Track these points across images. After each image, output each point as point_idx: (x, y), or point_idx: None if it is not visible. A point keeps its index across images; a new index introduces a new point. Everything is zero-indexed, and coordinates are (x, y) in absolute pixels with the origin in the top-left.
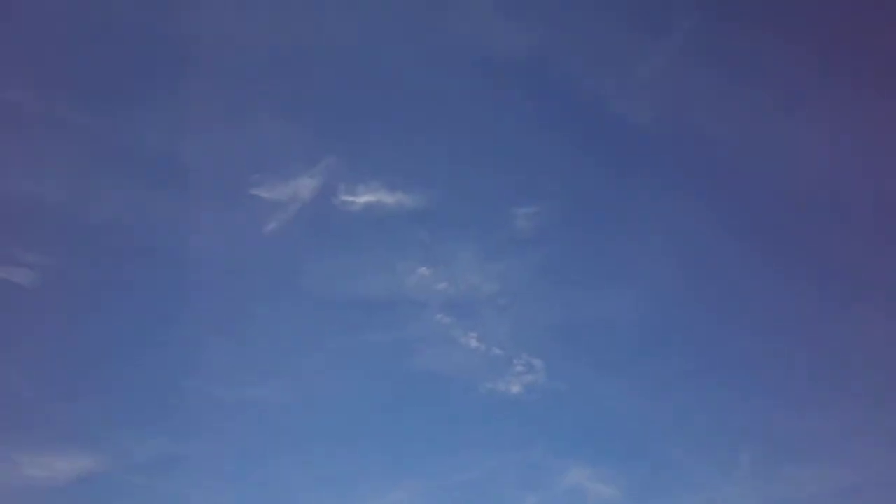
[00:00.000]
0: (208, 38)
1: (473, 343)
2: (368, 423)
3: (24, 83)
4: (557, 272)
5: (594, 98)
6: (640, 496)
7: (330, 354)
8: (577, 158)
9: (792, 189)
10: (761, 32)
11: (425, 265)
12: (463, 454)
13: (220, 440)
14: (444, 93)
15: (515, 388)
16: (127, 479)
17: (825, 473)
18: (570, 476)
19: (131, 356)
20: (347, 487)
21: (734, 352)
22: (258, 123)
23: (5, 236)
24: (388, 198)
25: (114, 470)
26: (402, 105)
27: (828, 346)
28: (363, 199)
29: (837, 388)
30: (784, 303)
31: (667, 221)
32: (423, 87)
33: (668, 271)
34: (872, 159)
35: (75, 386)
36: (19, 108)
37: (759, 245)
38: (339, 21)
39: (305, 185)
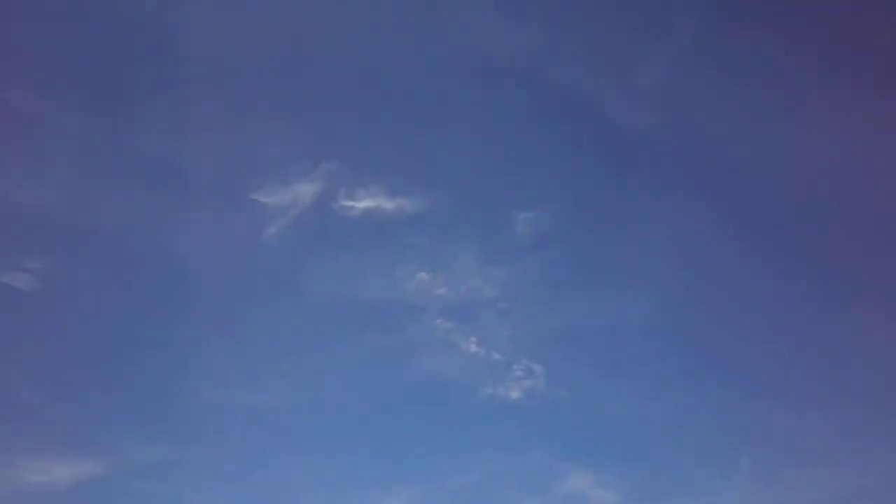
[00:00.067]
0: (209, 44)
1: (473, 348)
2: (369, 427)
3: (25, 87)
4: (558, 277)
5: (595, 101)
6: (641, 500)
7: (330, 359)
8: (577, 162)
9: (792, 190)
10: (762, 34)
11: (425, 270)
12: (463, 458)
13: (221, 444)
14: (445, 97)
15: (515, 393)
16: (127, 483)
17: (826, 476)
18: (571, 480)
19: (132, 361)
20: (347, 491)
21: (734, 354)
22: (258, 128)
23: (6, 241)
24: (387, 202)
25: (114, 474)
26: (402, 110)
27: (828, 346)
28: (363, 203)
29: (838, 390)
30: (784, 304)
31: (667, 225)
32: (423, 92)
33: (668, 275)
34: (872, 160)
35: (75, 390)
36: (20, 112)
37: (760, 248)
38: (340, 26)
39: (305, 190)
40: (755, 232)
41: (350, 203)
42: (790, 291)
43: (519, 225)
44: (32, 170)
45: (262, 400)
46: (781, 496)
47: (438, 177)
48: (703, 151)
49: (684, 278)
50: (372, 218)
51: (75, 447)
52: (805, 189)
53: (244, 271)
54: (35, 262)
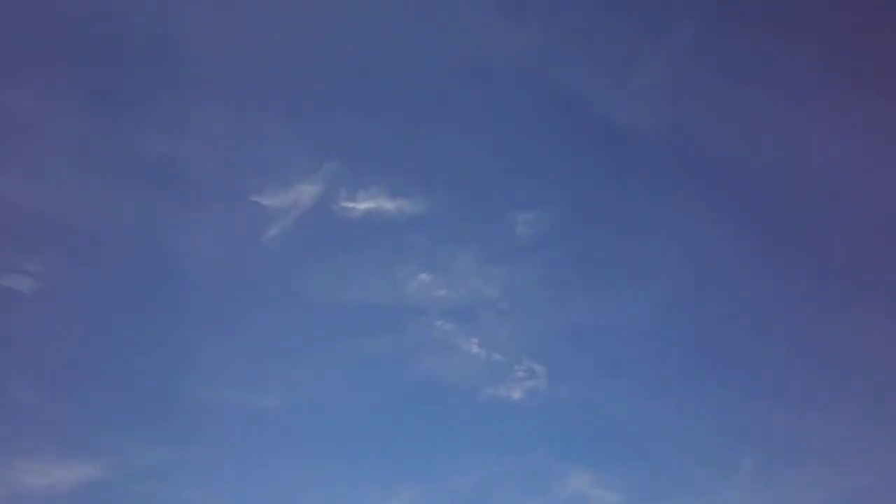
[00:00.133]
0: (210, 45)
1: (474, 349)
2: (370, 428)
3: (25, 87)
4: (558, 277)
5: (595, 101)
6: (642, 500)
7: (330, 360)
8: (577, 163)
9: (793, 190)
10: (762, 34)
11: (426, 271)
12: (464, 459)
13: (221, 445)
14: (445, 98)
15: (517, 394)
16: (127, 486)
17: (826, 476)
18: (572, 481)
19: (132, 362)
20: (348, 492)
21: (735, 354)
22: (259, 129)
23: (5, 243)
24: (388, 204)
25: (114, 477)
26: (402, 110)
27: (829, 346)
28: (363, 205)
29: (839, 390)
30: (784, 304)
31: (667, 225)
32: (423, 93)
33: (668, 275)
34: (873, 159)
35: (75, 392)
36: (20, 112)
37: (760, 248)
38: (340, 27)
39: (306, 192)
40: (755, 232)
41: (350, 204)
42: (790, 291)
43: (519, 225)
44: (32, 170)
45: (263, 401)
46: (782, 496)
47: (439, 177)
48: (703, 151)
49: (684, 278)
50: (372, 219)
51: (75, 449)
52: (805, 189)
53: (245, 272)
54: (35, 263)
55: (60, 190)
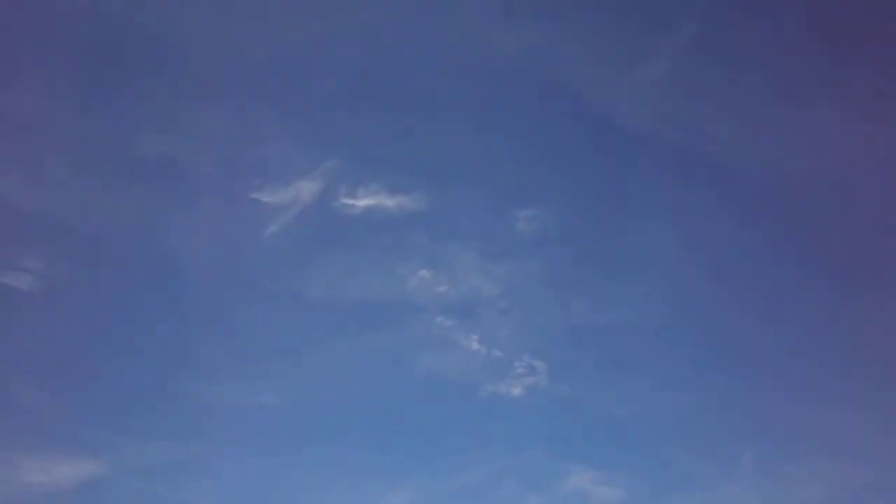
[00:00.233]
0: (208, 43)
1: (474, 345)
2: (370, 425)
3: (25, 87)
4: (559, 274)
5: (596, 99)
6: (644, 497)
7: (331, 357)
8: (578, 161)
9: (797, 186)
10: (764, 33)
11: (426, 268)
12: (464, 457)
13: (222, 443)
14: (445, 95)
15: (517, 391)
16: (128, 483)
17: (829, 471)
18: (573, 478)
19: (132, 360)
20: (349, 490)
21: (736, 351)
22: (258, 127)
23: (5, 241)
24: (388, 200)
25: (115, 474)
26: (402, 108)
27: (833, 341)
28: (364, 201)
29: (841, 384)
30: (786, 301)
31: (668, 222)
32: (423, 90)
33: (669, 273)
34: (879, 154)
35: (76, 390)
36: (20, 112)
37: (763, 244)
38: (340, 24)
39: (306, 189)
40: (757, 229)
41: (350, 201)
42: (791, 288)
43: (520, 222)
44: (32, 170)
45: (264, 398)
46: (785, 491)
47: (439, 174)
48: (705, 149)
49: (685, 276)
50: (372, 216)
51: (76, 446)
52: (808, 186)
53: (244, 270)
54: (35, 262)
55: (59, 188)
